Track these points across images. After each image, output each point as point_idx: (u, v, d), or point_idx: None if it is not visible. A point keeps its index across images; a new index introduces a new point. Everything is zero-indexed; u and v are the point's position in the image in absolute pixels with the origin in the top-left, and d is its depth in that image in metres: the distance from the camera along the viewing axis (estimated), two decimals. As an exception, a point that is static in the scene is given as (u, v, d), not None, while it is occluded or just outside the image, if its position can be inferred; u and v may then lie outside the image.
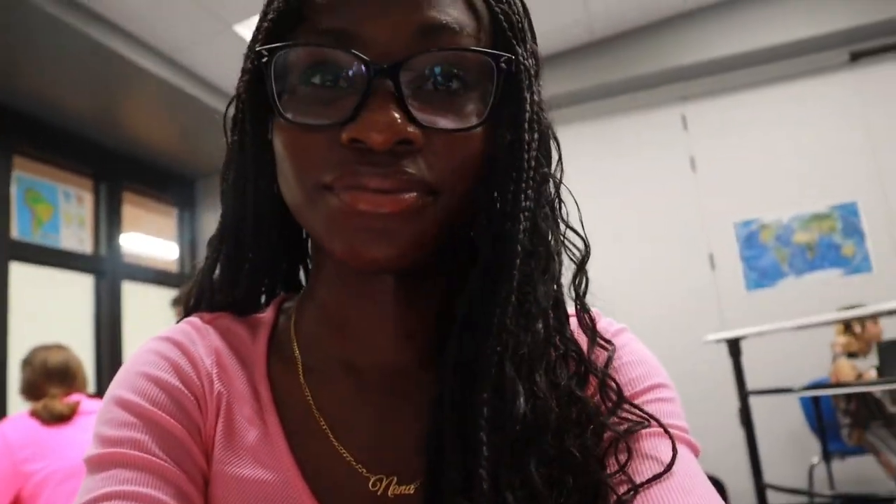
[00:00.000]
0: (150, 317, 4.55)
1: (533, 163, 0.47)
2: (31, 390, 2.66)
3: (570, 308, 0.51)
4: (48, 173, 4.06)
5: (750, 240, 4.38)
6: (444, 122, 0.44)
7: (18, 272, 3.70)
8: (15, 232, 3.76)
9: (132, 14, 3.38)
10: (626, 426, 0.46)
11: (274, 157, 0.48)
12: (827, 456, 3.26)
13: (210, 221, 5.00)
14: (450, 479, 0.41)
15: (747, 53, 4.31)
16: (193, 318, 0.56)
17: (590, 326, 0.51)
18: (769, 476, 2.98)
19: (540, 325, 0.46)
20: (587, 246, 0.51)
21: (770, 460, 3.26)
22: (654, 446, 0.46)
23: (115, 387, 0.49)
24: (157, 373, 0.49)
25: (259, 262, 0.56)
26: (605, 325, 0.54)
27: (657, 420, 0.47)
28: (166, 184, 4.88)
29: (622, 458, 0.45)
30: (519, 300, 0.45)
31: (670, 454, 0.44)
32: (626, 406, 0.47)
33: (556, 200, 0.51)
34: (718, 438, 3.48)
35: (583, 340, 0.50)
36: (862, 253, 4.24)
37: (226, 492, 0.47)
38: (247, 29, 3.54)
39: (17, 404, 3.23)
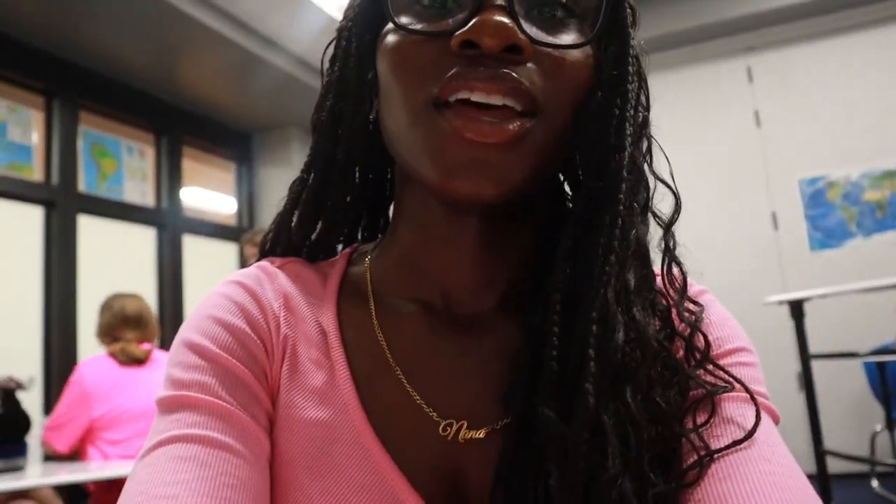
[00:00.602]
0: (209, 269, 4.67)
1: (634, 99, 0.48)
2: (109, 333, 2.82)
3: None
4: (112, 128, 4.16)
5: (816, 198, 4.22)
6: (552, 39, 0.45)
7: (86, 224, 3.83)
8: (82, 185, 3.88)
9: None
10: (710, 387, 0.45)
11: (375, 90, 0.50)
12: (891, 424, 3.16)
13: (267, 176, 5.07)
14: (547, 408, 0.41)
15: (816, 1, 4.09)
16: (264, 263, 0.56)
17: (679, 282, 0.50)
18: (829, 442, 2.91)
19: (639, 264, 0.46)
20: (678, 201, 0.50)
21: (831, 426, 3.19)
22: (738, 411, 0.45)
23: (186, 329, 0.50)
24: (226, 316, 0.50)
25: (340, 206, 0.57)
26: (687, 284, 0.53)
27: (742, 383, 0.46)
28: (224, 139, 4.95)
29: (704, 417, 0.44)
30: (622, 236, 0.45)
31: (753, 420, 0.44)
32: (710, 367, 0.46)
33: (650, 148, 0.51)
34: (778, 402, 3.37)
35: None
36: (937, 213, 4.04)
37: (290, 434, 0.47)
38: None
39: (87, 350, 3.39)
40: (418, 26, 0.45)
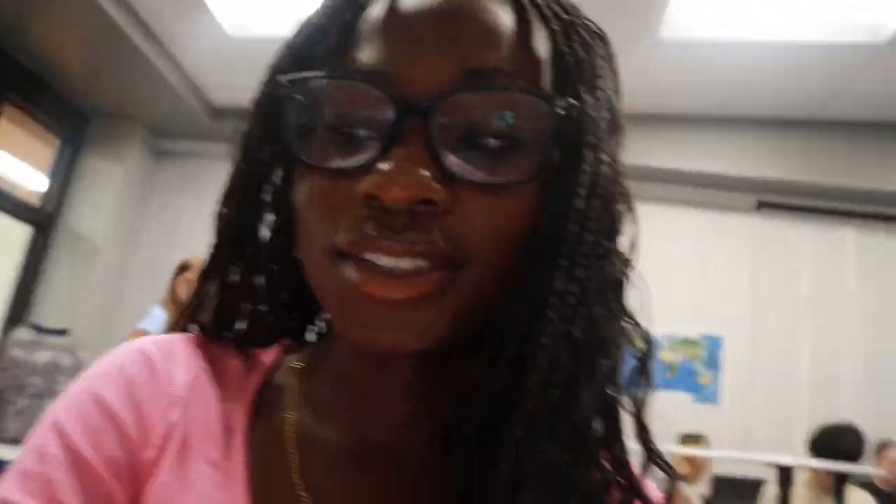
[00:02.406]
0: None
1: (589, 237, 0.38)
2: None
3: None
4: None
5: (621, 344, 4.51)
6: (481, 177, 0.37)
7: None
8: None
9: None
10: None
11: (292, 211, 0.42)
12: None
13: (93, 164, 4.63)
14: None
15: (667, 170, 4.51)
16: (186, 336, 0.48)
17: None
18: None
19: (571, 446, 0.37)
20: (649, 344, 0.43)
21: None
22: None
23: (60, 403, 0.43)
24: (107, 393, 0.42)
25: (264, 314, 0.49)
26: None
27: None
28: (57, 112, 4.46)
29: None
30: (553, 407, 0.37)
31: None
32: None
33: (621, 284, 0.43)
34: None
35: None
36: (715, 385, 4.46)
37: None
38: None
39: None
40: (326, 161, 0.38)
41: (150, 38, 3.78)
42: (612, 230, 0.41)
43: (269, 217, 0.47)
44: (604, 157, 0.40)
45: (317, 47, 0.42)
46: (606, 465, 0.39)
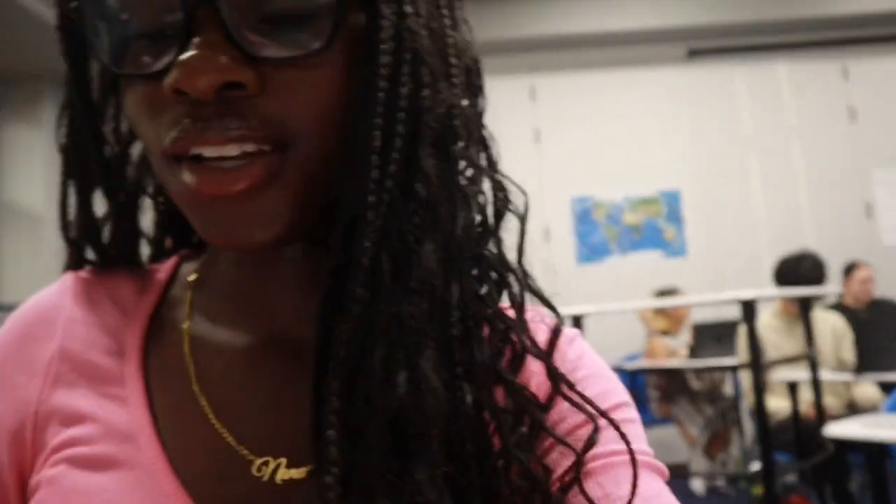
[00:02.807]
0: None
1: (402, 90, 0.37)
2: None
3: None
4: None
5: (584, 215, 4.57)
6: (283, 52, 0.36)
7: None
8: None
9: None
10: (580, 433, 0.41)
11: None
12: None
13: (13, 133, 4.42)
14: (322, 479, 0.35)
15: (597, 34, 4.44)
16: (75, 274, 0.50)
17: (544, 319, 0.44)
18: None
19: (424, 298, 0.37)
20: (504, 195, 0.43)
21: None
22: (615, 480, 0.40)
23: None
24: (5, 336, 0.46)
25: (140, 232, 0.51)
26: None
27: (624, 437, 0.40)
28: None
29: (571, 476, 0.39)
30: (393, 264, 0.37)
31: (628, 487, 0.39)
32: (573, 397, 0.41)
33: (457, 135, 0.41)
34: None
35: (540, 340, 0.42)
36: (681, 238, 4.57)
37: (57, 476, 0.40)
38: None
39: None
40: (136, 68, 0.37)
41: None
42: (433, 83, 0.39)
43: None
44: (407, 9, 0.38)
45: None
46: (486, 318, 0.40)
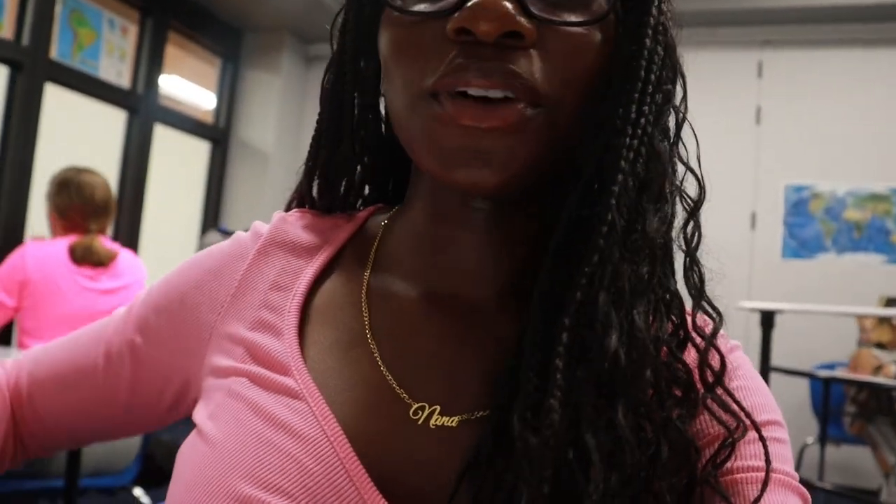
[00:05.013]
0: (177, 164, 4.51)
1: (654, 77, 0.43)
2: (67, 216, 2.42)
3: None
4: (96, -3, 3.92)
5: (798, 206, 4.20)
6: (561, 16, 0.41)
7: (53, 94, 3.62)
8: (54, 52, 3.66)
9: None
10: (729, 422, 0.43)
11: (379, 67, 0.47)
12: (823, 440, 3.22)
13: (252, 78, 4.88)
14: (522, 418, 0.38)
15: (836, 7, 3.98)
16: (297, 211, 0.57)
17: (708, 330, 0.45)
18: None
19: (646, 261, 0.42)
20: (702, 191, 0.47)
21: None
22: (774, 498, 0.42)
23: (179, 267, 0.57)
24: (203, 259, 0.56)
25: (356, 177, 0.56)
26: (718, 339, 0.47)
27: (767, 455, 0.42)
28: (214, 32, 4.70)
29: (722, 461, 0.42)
30: (625, 229, 0.41)
31: None
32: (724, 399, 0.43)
33: (676, 131, 0.47)
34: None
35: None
36: (911, 243, 4.05)
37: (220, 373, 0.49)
38: None
39: (36, 226, 3.25)
40: (414, 7, 0.42)
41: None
42: (674, 75, 0.46)
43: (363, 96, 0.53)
44: (665, 7, 0.45)
45: None
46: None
